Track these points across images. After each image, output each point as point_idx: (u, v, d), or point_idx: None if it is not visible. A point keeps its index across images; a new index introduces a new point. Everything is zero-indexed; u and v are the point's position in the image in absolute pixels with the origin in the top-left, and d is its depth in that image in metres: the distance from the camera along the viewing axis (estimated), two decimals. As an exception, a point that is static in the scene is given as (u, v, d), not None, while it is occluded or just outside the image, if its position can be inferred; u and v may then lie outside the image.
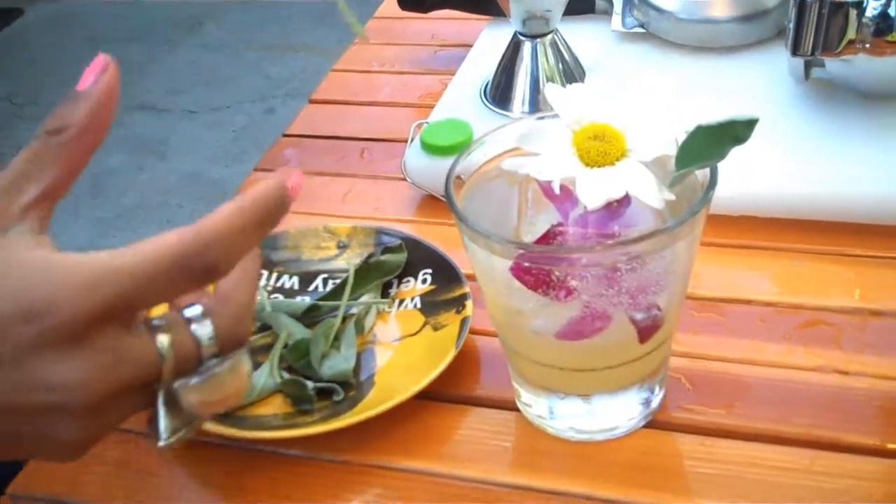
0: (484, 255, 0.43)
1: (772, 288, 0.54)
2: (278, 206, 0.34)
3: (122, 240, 2.27)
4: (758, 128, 0.62)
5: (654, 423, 0.48)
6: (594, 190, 0.41)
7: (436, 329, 0.52)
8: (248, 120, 2.61)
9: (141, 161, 2.54)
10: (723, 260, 0.56)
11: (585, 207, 0.41)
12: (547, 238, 0.42)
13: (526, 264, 0.41)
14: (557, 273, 0.41)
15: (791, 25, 0.59)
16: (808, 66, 0.62)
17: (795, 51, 0.60)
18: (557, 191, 0.42)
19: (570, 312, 0.42)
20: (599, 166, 0.42)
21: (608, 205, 0.41)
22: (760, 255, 0.57)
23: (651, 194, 0.41)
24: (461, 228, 0.43)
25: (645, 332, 0.43)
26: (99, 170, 2.54)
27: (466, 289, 0.53)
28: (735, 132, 0.39)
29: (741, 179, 0.57)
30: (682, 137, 0.41)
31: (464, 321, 0.51)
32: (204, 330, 0.34)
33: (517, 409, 0.49)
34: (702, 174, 0.43)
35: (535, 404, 0.48)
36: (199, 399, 0.34)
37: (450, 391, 0.50)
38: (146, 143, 2.56)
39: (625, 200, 0.42)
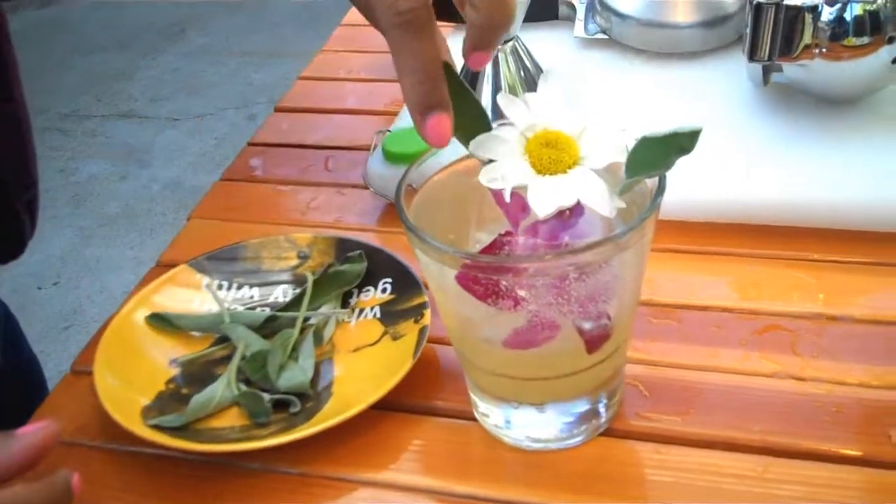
0: (433, 264, 0.43)
1: (729, 294, 0.54)
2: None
3: (105, 248, 2.27)
4: (717, 133, 0.63)
5: (611, 430, 0.48)
6: (545, 198, 0.41)
7: (395, 339, 0.52)
8: (230, 127, 2.61)
9: (123, 169, 2.53)
10: (680, 266, 0.56)
11: (537, 216, 0.41)
12: (494, 247, 0.42)
13: (473, 274, 0.41)
14: (505, 283, 0.41)
15: (748, 31, 0.59)
16: (766, 71, 0.62)
17: (752, 56, 0.60)
18: (508, 199, 0.42)
19: (519, 322, 0.42)
20: (552, 174, 0.42)
21: (560, 214, 0.41)
22: (718, 261, 0.57)
23: (602, 203, 0.41)
24: (409, 238, 0.43)
25: (593, 342, 0.43)
26: (81, 178, 2.53)
27: (425, 297, 0.53)
28: (679, 143, 0.39)
29: (699, 185, 0.58)
30: (632, 145, 0.41)
31: (422, 330, 0.51)
32: None
33: (475, 419, 0.49)
34: (652, 182, 0.43)
35: (491, 414, 0.48)
36: None
37: (408, 401, 0.50)
38: (129, 151, 2.55)
39: (577, 210, 0.42)
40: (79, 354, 0.56)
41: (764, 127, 0.63)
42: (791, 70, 0.61)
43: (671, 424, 0.47)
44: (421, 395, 0.50)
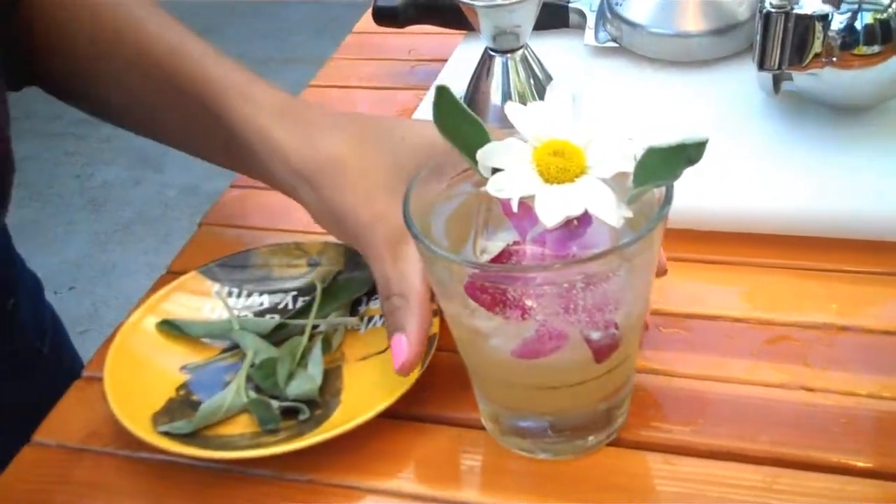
0: (441, 273, 0.43)
1: (739, 303, 0.54)
2: None
3: (120, 254, 2.28)
4: (728, 140, 0.63)
5: (620, 440, 0.47)
6: (553, 207, 0.41)
7: (403, 347, 0.52)
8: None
9: (138, 174, 2.55)
10: (689, 275, 0.56)
11: (545, 226, 0.41)
12: (502, 257, 0.42)
13: (481, 283, 0.41)
14: (513, 293, 0.41)
15: (757, 40, 0.59)
16: (777, 80, 0.62)
17: (762, 65, 0.60)
18: (516, 208, 0.42)
19: (526, 331, 0.42)
20: (559, 183, 0.42)
21: (567, 223, 0.41)
22: (729, 270, 0.56)
23: (609, 212, 0.41)
24: (418, 247, 0.43)
25: (601, 351, 0.43)
26: (96, 184, 2.55)
27: (434, 306, 0.53)
28: (687, 153, 0.39)
29: (709, 193, 0.58)
30: (640, 154, 0.41)
31: (430, 339, 0.51)
32: None
33: (483, 428, 0.49)
34: (659, 191, 0.43)
35: (499, 422, 0.48)
36: None
37: (417, 409, 0.50)
38: (143, 156, 2.57)
39: (584, 220, 0.42)
40: (89, 360, 0.57)
41: (775, 135, 0.63)
42: (801, 79, 0.61)
43: (680, 434, 0.47)
44: (429, 404, 0.50)
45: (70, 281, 2.19)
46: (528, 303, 0.41)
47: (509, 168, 0.42)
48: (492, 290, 0.41)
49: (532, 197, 0.41)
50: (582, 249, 0.42)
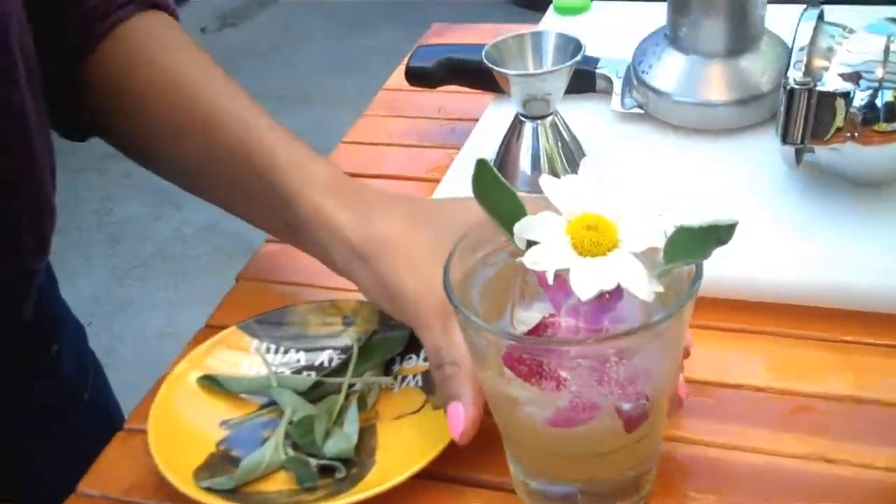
0: (479, 342, 0.45)
1: (762, 373, 0.56)
2: None
3: (138, 289, 2.30)
4: (750, 211, 0.64)
5: (642, 505, 0.49)
6: (587, 281, 0.43)
7: (436, 408, 0.54)
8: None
9: (158, 211, 2.58)
10: (715, 343, 0.58)
11: (579, 299, 0.43)
12: (539, 330, 0.44)
13: (518, 354, 0.43)
14: (548, 364, 0.43)
15: (780, 115, 0.61)
16: (799, 153, 0.64)
17: (785, 139, 0.62)
18: (551, 281, 0.44)
19: (560, 401, 0.44)
20: (592, 256, 0.44)
21: (600, 297, 0.43)
22: (752, 339, 0.58)
23: (641, 287, 0.43)
24: (457, 317, 0.45)
25: (631, 421, 0.44)
26: (116, 219, 2.58)
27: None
28: (718, 235, 0.41)
29: (732, 262, 0.59)
30: (670, 230, 0.43)
31: (463, 401, 0.53)
32: None
33: (512, 490, 0.51)
34: (689, 266, 0.45)
35: (530, 487, 0.50)
36: None
37: (450, 471, 0.52)
38: (163, 192, 2.60)
39: (616, 293, 0.44)
40: (131, 412, 0.59)
41: (796, 206, 0.65)
42: (823, 153, 0.63)
43: (702, 502, 0.49)
44: (463, 466, 0.52)
45: (87, 316, 2.21)
46: (563, 374, 0.43)
47: (544, 241, 0.44)
48: (528, 361, 0.43)
49: (566, 270, 0.43)
50: (614, 323, 0.44)
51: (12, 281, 0.63)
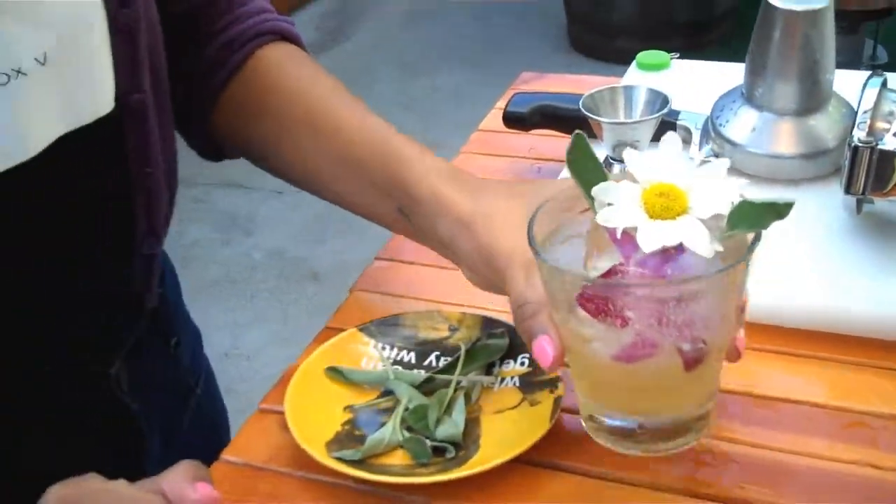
0: (556, 284, 0.53)
1: (821, 392, 0.63)
2: None
3: (204, 312, 2.40)
4: (814, 253, 0.72)
5: (710, 496, 0.57)
6: (652, 236, 0.49)
7: (532, 405, 0.62)
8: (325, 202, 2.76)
9: (227, 236, 2.69)
10: (780, 366, 0.66)
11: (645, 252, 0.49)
12: (609, 274, 0.51)
13: (590, 294, 0.51)
14: (615, 304, 0.50)
15: (845, 168, 0.69)
16: (860, 202, 0.72)
17: (848, 190, 0.70)
18: (619, 236, 0.50)
19: (625, 338, 0.51)
20: (662, 219, 0.50)
21: (664, 250, 0.50)
22: (813, 364, 0.66)
23: (702, 245, 0.49)
24: (538, 264, 0.53)
25: (690, 362, 0.52)
26: (185, 241, 2.70)
27: (559, 373, 0.63)
28: (777, 210, 0.49)
29: (799, 295, 0.67)
30: (736, 201, 0.50)
31: (557, 400, 0.61)
32: None
33: (599, 477, 0.59)
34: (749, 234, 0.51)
35: (595, 420, 0.57)
36: None
37: (544, 457, 0.60)
38: (233, 218, 2.71)
39: (680, 248, 0.50)
40: (265, 395, 0.67)
41: (855, 249, 0.73)
42: (882, 203, 0.71)
43: (762, 496, 0.56)
44: (556, 454, 0.60)
45: (158, 332, 2.31)
46: (628, 313, 0.50)
47: (618, 203, 0.51)
48: (598, 301, 0.50)
49: (635, 228, 0.50)
50: (675, 273, 0.50)
51: (135, 266, 0.67)
